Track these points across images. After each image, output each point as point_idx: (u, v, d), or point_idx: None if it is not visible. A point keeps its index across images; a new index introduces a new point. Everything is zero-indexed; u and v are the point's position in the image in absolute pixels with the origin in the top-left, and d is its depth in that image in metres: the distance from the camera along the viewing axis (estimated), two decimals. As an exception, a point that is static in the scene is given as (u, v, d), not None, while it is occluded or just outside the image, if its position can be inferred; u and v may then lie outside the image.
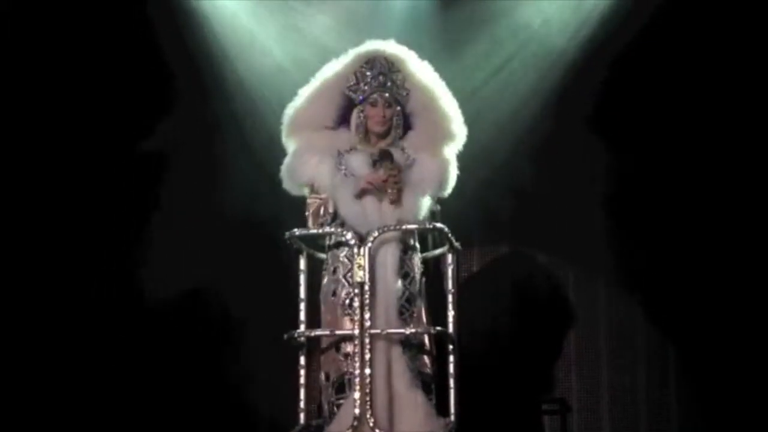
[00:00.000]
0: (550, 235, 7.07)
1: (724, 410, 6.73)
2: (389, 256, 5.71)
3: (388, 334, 5.62)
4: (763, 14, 6.86)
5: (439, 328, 5.74)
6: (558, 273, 7.11)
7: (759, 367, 6.74)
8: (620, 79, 6.98)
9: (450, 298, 5.81)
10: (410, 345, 5.70)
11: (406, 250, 5.78)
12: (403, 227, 5.71)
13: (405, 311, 5.72)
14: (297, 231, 5.76)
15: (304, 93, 5.93)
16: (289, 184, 5.93)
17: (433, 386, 5.74)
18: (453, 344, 5.77)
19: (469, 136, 5.99)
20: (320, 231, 5.79)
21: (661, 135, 6.98)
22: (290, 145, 5.95)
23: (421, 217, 5.77)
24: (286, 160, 5.94)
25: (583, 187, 7.04)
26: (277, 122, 6.01)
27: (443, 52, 6.73)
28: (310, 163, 5.85)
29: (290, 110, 5.94)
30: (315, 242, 5.93)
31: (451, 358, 5.75)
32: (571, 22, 7.08)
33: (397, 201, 5.74)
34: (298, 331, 5.78)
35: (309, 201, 5.88)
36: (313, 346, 5.90)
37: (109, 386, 6.93)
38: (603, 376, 7.04)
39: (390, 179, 5.72)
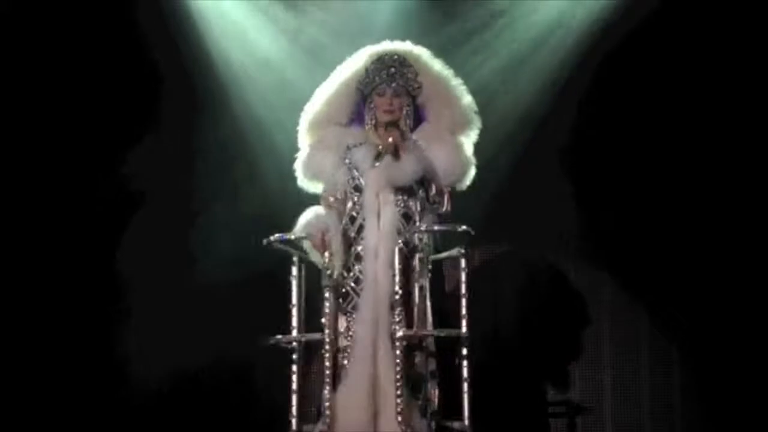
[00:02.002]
0: (551, 234, 7.07)
1: (728, 412, 6.76)
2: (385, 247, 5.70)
3: (376, 328, 5.56)
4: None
5: (448, 330, 5.68)
6: (560, 273, 7.10)
7: (764, 368, 6.76)
8: (624, 73, 6.99)
9: (463, 302, 5.74)
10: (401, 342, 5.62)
11: (407, 243, 5.74)
12: (424, 228, 5.69)
13: (398, 306, 5.65)
14: (285, 235, 5.76)
15: (320, 92, 6.03)
16: (301, 180, 6.03)
17: (425, 386, 5.68)
18: (466, 348, 5.70)
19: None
20: (305, 235, 5.74)
21: (666, 133, 6.98)
22: (304, 142, 6.06)
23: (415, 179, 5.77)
24: (298, 156, 6.05)
25: (585, 186, 7.02)
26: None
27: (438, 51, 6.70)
28: (315, 158, 5.96)
29: (306, 110, 6.03)
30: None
31: (465, 362, 5.69)
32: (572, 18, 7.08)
33: (395, 155, 5.76)
34: (276, 336, 5.73)
35: (323, 195, 5.96)
36: (310, 352, 5.88)
37: (108, 387, 6.92)
38: (606, 377, 7.05)
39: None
